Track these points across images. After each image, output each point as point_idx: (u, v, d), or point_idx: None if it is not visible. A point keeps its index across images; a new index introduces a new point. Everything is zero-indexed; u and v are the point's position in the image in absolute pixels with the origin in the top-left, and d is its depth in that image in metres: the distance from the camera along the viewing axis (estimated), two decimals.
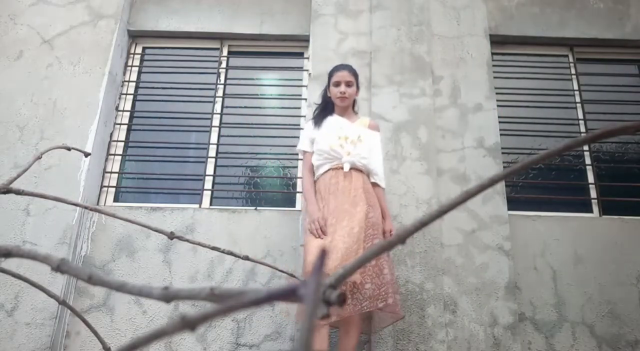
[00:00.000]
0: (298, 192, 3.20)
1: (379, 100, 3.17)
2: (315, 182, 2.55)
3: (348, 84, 2.58)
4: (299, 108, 3.46)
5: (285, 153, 3.35)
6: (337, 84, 2.59)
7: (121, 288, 0.38)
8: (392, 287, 2.23)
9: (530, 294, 2.85)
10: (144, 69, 3.60)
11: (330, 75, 2.65)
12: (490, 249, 2.86)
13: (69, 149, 1.04)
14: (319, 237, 2.31)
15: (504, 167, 3.19)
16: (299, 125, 3.40)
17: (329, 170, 2.48)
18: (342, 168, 2.46)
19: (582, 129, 3.45)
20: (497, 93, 3.34)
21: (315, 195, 2.49)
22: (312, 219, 2.38)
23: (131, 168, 3.35)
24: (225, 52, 3.64)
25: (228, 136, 3.41)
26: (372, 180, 2.52)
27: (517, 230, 2.98)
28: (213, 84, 3.53)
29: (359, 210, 2.32)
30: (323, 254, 0.31)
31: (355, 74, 2.63)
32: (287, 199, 3.26)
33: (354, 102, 2.71)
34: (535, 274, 2.90)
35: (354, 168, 2.46)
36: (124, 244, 2.91)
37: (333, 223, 2.32)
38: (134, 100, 3.51)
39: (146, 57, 3.64)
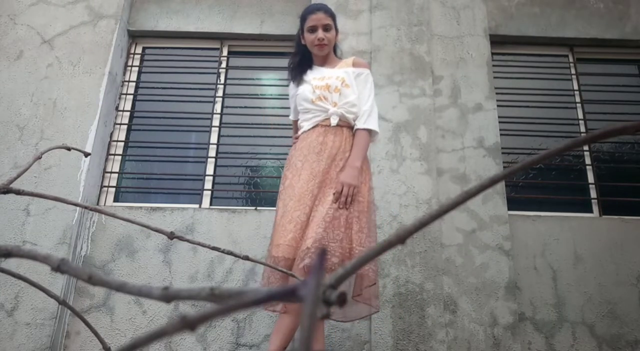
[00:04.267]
0: None
1: (378, 100, 3.16)
2: (295, 140, 2.23)
3: (325, 28, 2.19)
4: None
5: (285, 154, 3.35)
6: (313, 29, 2.20)
7: (121, 288, 0.38)
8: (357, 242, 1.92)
9: (530, 294, 2.85)
10: (144, 69, 3.60)
11: (303, 19, 2.24)
12: (490, 249, 2.86)
13: (69, 149, 1.04)
14: None
15: (504, 167, 3.19)
16: None
17: (316, 126, 2.12)
18: (329, 124, 2.10)
19: (582, 129, 3.45)
20: (497, 93, 3.34)
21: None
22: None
23: (131, 168, 3.35)
24: (225, 52, 3.64)
25: (228, 136, 3.41)
26: (356, 127, 2.12)
27: (517, 230, 2.98)
28: (213, 84, 3.53)
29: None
30: (323, 254, 0.31)
31: (332, 15, 2.24)
32: None
33: (335, 46, 2.33)
34: (535, 274, 2.90)
35: (343, 122, 2.12)
36: (124, 244, 2.91)
37: (311, 190, 1.98)
38: (134, 100, 3.51)
39: (146, 57, 3.64)
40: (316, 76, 2.20)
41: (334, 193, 1.97)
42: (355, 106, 2.12)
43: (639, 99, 3.56)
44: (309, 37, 2.21)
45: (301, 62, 2.26)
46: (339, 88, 2.12)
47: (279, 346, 1.87)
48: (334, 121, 2.09)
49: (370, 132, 2.12)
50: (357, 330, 2.66)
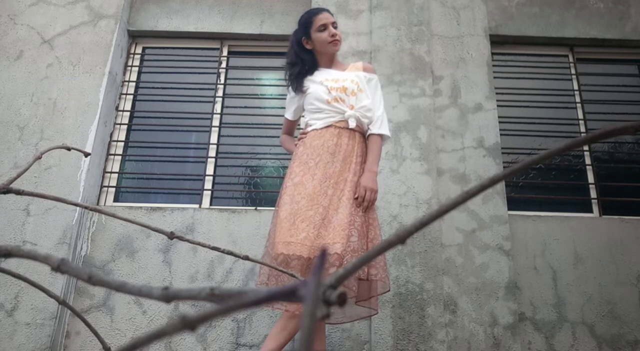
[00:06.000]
0: None
1: None
2: (302, 136, 2.19)
3: (334, 25, 2.20)
4: None
5: (285, 153, 3.35)
6: (323, 28, 2.17)
7: (121, 288, 0.38)
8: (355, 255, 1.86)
9: (530, 294, 2.85)
10: (144, 69, 3.60)
11: (309, 22, 2.20)
12: (490, 249, 2.86)
13: (69, 149, 1.04)
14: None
15: (504, 167, 3.19)
16: (299, 125, 3.40)
17: (329, 126, 2.11)
18: (345, 127, 2.10)
19: (582, 129, 3.45)
20: (497, 93, 3.34)
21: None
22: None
23: (131, 168, 3.35)
24: (225, 52, 3.64)
25: (228, 136, 3.42)
26: (370, 132, 2.15)
27: (517, 230, 2.98)
28: (213, 84, 3.53)
29: (357, 181, 2.04)
30: (323, 254, 0.31)
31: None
32: None
33: None
34: (535, 274, 2.90)
35: (356, 126, 2.12)
36: (124, 244, 2.91)
37: (325, 191, 1.97)
38: (134, 100, 3.51)
39: (146, 57, 3.64)
40: (327, 77, 2.18)
41: (355, 198, 1.98)
42: (370, 111, 2.13)
43: (639, 99, 3.56)
44: (320, 37, 2.18)
45: (302, 70, 2.21)
46: (355, 92, 2.14)
47: (282, 344, 1.86)
48: (352, 124, 2.09)
49: (382, 137, 2.16)
50: (357, 330, 2.66)
